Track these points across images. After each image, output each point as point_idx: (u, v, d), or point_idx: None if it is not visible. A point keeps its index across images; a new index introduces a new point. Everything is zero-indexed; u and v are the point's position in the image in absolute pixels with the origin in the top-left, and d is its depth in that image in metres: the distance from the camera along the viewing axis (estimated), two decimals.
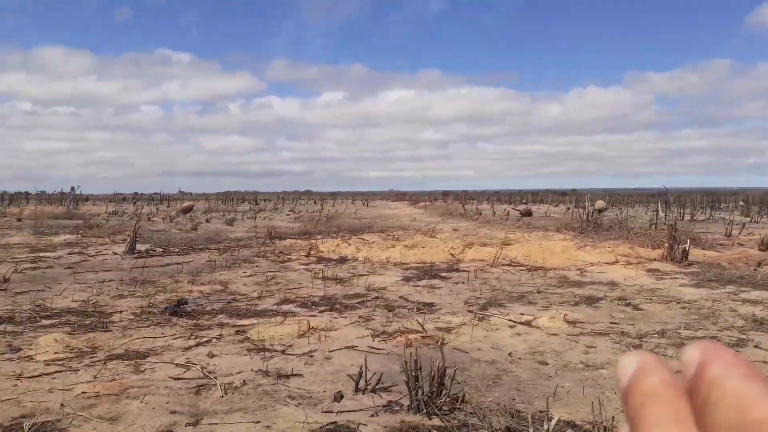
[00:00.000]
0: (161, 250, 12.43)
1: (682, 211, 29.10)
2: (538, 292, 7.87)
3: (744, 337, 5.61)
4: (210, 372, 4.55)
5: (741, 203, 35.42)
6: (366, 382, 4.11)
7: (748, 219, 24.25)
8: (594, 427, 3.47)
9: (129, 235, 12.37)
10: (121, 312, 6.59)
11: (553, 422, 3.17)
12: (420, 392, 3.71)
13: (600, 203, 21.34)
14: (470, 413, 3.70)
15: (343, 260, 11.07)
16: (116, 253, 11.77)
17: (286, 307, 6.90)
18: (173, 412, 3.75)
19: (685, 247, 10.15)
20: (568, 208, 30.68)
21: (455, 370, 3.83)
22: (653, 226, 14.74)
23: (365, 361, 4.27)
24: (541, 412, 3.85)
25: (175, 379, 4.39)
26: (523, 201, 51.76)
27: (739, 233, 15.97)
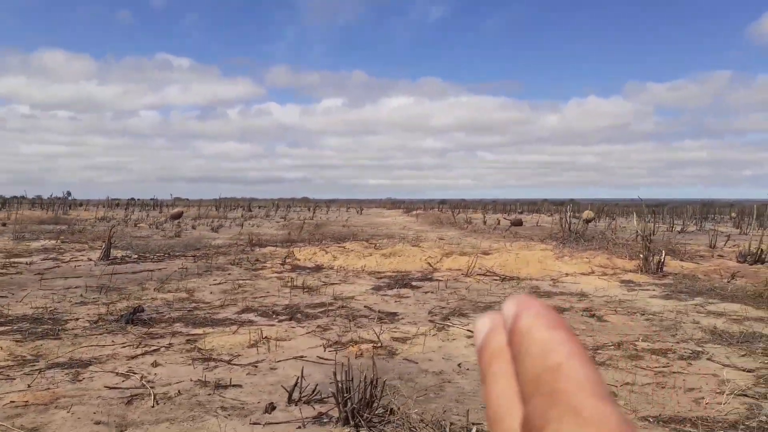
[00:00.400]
0: (137, 256, 12.35)
1: (672, 222, 29.10)
2: None
3: (700, 349, 5.55)
4: (149, 381, 4.48)
5: (733, 215, 35.48)
6: (300, 393, 4.04)
7: (738, 231, 24.22)
8: None
9: (111, 242, 12.28)
10: (77, 319, 6.51)
11: None
12: (349, 404, 3.65)
13: (588, 213, 21.30)
14: (399, 425, 3.63)
15: (318, 268, 11.00)
16: (91, 260, 11.70)
17: (246, 316, 6.82)
18: (98, 423, 3.68)
19: (660, 259, 10.10)
20: (561, 218, 30.59)
21: (384, 381, 3.76)
22: (638, 237, 14.69)
23: (302, 371, 4.21)
24: (473, 424, 3.78)
25: (111, 388, 4.32)
26: (519, 211, 51.77)
27: (724, 245, 15.93)
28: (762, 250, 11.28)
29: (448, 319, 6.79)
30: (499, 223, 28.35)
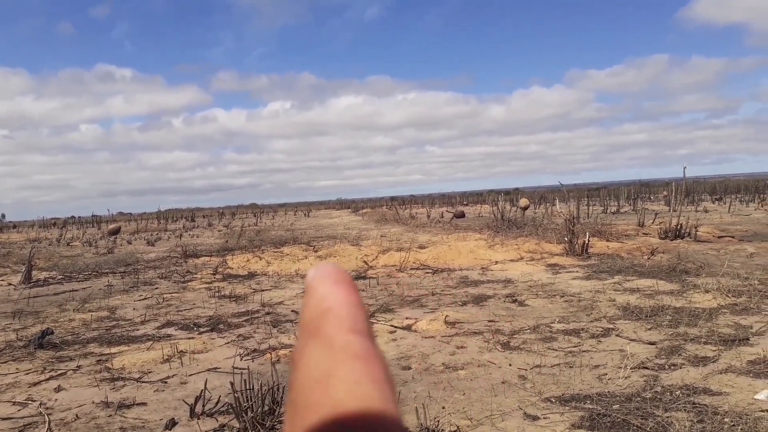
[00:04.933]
0: (62, 277, 11.84)
1: (607, 204, 30.13)
2: (433, 294, 7.86)
3: (611, 326, 5.72)
4: (48, 408, 4.28)
5: (665, 193, 37.01)
6: (204, 406, 3.94)
7: (668, 209, 25.25)
8: (420, 430, 3.41)
9: (31, 263, 11.73)
10: None
11: None
12: (249, 413, 3.57)
13: (524, 201, 21.77)
14: None
15: (251, 276, 10.81)
16: (11, 284, 11.15)
17: (165, 331, 6.63)
18: None
19: (585, 241, 10.39)
20: (493, 208, 31.06)
21: (284, 388, 3.70)
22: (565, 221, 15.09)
23: (205, 384, 4.11)
24: None
25: (4, 419, 4.10)
26: (464, 203, 52.47)
27: (652, 222, 16.56)
28: (681, 225, 11.76)
29: (374, 316, 6.78)
30: (442, 216, 28.65)
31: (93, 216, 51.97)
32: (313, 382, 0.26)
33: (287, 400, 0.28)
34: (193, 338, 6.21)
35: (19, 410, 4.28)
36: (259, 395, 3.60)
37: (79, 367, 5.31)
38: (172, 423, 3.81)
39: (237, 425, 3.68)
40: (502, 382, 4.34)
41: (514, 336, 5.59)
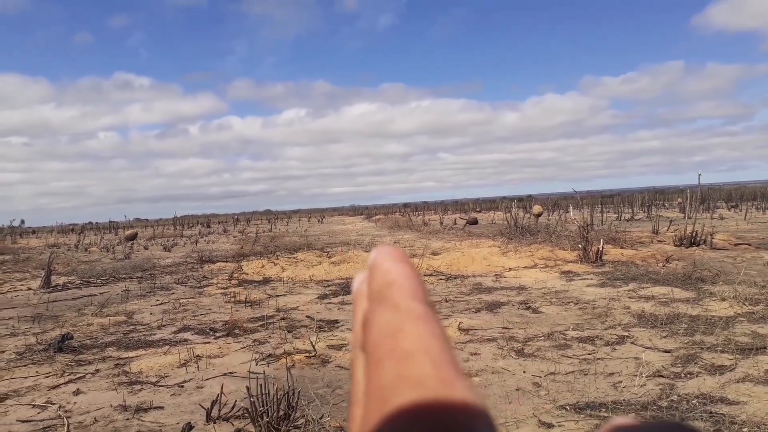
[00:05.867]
0: (80, 281, 12.01)
1: (621, 210, 29.94)
2: (446, 301, 7.87)
3: (626, 334, 5.70)
4: (67, 411, 4.36)
5: (680, 200, 36.73)
6: (220, 410, 3.99)
7: (683, 216, 25.03)
8: None
9: (50, 268, 11.90)
10: (3, 352, 6.28)
11: None
12: (265, 417, 3.61)
13: (537, 208, 21.71)
14: None
15: (266, 281, 10.89)
16: (31, 288, 11.32)
17: (182, 336, 6.70)
18: None
19: (599, 248, 10.34)
20: (506, 215, 30.93)
21: (299, 392, 3.74)
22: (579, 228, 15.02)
23: (221, 388, 4.16)
24: None
25: (24, 421, 4.18)
26: (477, 209, 52.45)
27: (666, 230, 16.43)
28: (696, 232, 11.66)
29: None
30: (455, 223, 28.63)
31: (110, 222, 52.59)
32: (384, 337, 0.30)
33: (361, 359, 0.31)
34: (209, 343, 6.27)
35: (38, 413, 4.35)
36: (275, 400, 3.64)
37: (97, 370, 5.39)
38: (189, 427, 3.86)
39: (253, 430, 3.72)
40: (517, 389, 4.34)
41: (528, 343, 5.58)
